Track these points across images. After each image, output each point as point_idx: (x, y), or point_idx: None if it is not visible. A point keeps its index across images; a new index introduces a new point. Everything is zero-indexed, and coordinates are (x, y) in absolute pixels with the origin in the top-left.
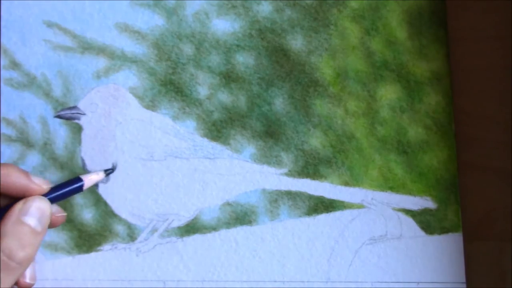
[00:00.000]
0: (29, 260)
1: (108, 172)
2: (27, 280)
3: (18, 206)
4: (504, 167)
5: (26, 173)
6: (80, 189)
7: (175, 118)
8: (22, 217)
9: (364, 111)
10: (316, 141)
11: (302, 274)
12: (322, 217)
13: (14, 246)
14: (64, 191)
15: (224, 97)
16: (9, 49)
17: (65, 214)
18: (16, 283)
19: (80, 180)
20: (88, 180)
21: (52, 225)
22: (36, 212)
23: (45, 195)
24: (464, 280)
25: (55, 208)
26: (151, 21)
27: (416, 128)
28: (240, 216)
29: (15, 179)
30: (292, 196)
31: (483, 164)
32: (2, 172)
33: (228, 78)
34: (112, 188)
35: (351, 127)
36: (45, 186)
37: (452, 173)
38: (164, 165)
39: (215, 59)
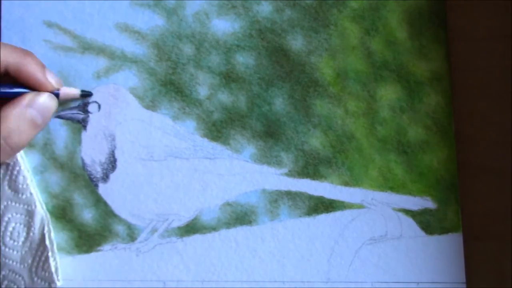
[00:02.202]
0: (21, 147)
1: (84, 94)
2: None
3: (28, 96)
4: (504, 167)
5: (42, 66)
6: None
7: (175, 118)
8: (27, 108)
9: (364, 111)
10: (316, 141)
11: (302, 274)
12: (322, 217)
13: (12, 131)
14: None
15: (224, 97)
16: None
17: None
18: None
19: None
20: (64, 92)
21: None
22: (41, 106)
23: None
24: (464, 280)
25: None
26: (151, 21)
27: (416, 128)
28: (240, 216)
29: (30, 69)
30: (292, 196)
31: (483, 164)
32: (22, 59)
33: (228, 78)
34: (112, 188)
35: (351, 127)
36: (56, 85)
37: (452, 173)
38: (164, 165)
39: (215, 59)
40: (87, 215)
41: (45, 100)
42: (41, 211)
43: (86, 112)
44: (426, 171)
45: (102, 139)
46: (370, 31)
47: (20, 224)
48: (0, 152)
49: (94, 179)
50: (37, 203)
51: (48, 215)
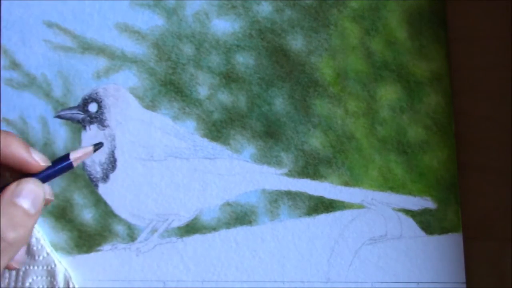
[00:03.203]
0: (21, 241)
1: (97, 147)
2: (13, 264)
3: (11, 187)
4: (504, 167)
5: (26, 146)
6: (70, 166)
7: (175, 118)
8: (14, 199)
9: (364, 111)
10: (316, 141)
11: (302, 274)
12: (322, 217)
13: (5, 226)
14: (55, 169)
15: (224, 97)
16: (9, 49)
17: (53, 199)
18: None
19: (67, 157)
20: (76, 157)
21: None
22: (29, 194)
23: (37, 173)
24: (464, 280)
25: (47, 188)
26: (151, 21)
27: (416, 128)
28: (240, 216)
29: (14, 150)
30: (292, 196)
31: (483, 164)
32: (4, 141)
33: (228, 78)
34: (112, 188)
35: (351, 127)
36: (43, 164)
37: (452, 173)
38: (164, 165)
39: (215, 59)
40: (87, 215)
41: (30, 186)
42: (61, 268)
43: (86, 112)
44: (426, 171)
45: (102, 139)
46: (370, 31)
47: (43, 286)
48: (3, 252)
49: (94, 179)
50: (56, 261)
51: (69, 271)
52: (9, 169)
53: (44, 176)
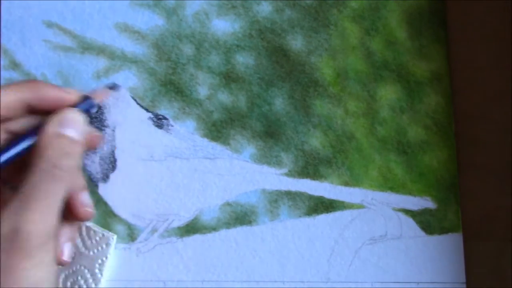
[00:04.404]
0: (75, 168)
1: (111, 87)
2: (86, 208)
3: (52, 119)
4: (504, 167)
5: (54, 85)
6: (93, 105)
7: (175, 118)
8: (58, 129)
9: (364, 111)
10: (316, 141)
11: (302, 274)
12: (322, 217)
13: (56, 156)
14: (87, 103)
15: (224, 97)
16: (9, 49)
17: (100, 134)
18: (74, 213)
19: (88, 97)
20: (97, 96)
21: (90, 146)
22: (71, 123)
23: (79, 104)
24: (464, 280)
25: (90, 129)
26: (151, 21)
27: (416, 128)
28: (240, 216)
29: (47, 91)
30: (292, 196)
31: (483, 164)
32: (33, 87)
33: (228, 78)
34: (112, 188)
35: (351, 127)
36: (75, 95)
37: (452, 173)
38: (164, 165)
39: (215, 59)
40: None
41: (71, 115)
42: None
43: (86, 112)
44: (426, 171)
45: (102, 139)
46: (370, 31)
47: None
48: (60, 180)
49: (94, 179)
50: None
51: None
52: (46, 113)
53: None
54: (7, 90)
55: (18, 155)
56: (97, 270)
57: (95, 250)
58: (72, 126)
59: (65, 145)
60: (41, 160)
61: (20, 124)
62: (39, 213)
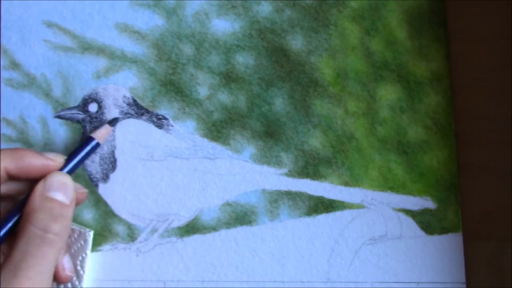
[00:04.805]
0: (65, 231)
1: (113, 122)
2: (67, 272)
3: (40, 185)
4: (504, 167)
5: (38, 152)
6: (97, 146)
7: (175, 118)
8: (47, 193)
9: (364, 111)
10: (316, 141)
11: (302, 274)
12: (322, 217)
13: (46, 220)
14: (81, 155)
15: (224, 97)
16: (9, 49)
17: (87, 190)
18: (56, 277)
19: (92, 138)
20: (100, 135)
21: (77, 203)
22: (59, 186)
23: (63, 168)
24: (464, 280)
25: (75, 185)
26: (151, 21)
27: (416, 128)
28: (240, 216)
29: (30, 160)
30: (292, 196)
31: (483, 164)
32: (15, 156)
33: (228, 78)
34: (112, 188)
35: (351, 127)
36: (60, 159)
37: (452, 173)
38: (164, 165)
39: (215, 59)
40: (87, 215)
41: (58, 177)
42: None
43: (86, 112)
44: (426, 171)
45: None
46: (370, 31)
47: None
48: (51, 244)
49: (94, 179)
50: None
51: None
52: (31, 181)
53: (71, 168)
54: None
55: (7, 233)
56: (79, 268)
57: (75, 248)
58: (61, 190)
59: (55, 208)
60: (31, 225)
61: (1, 190)
62: (31, 281)
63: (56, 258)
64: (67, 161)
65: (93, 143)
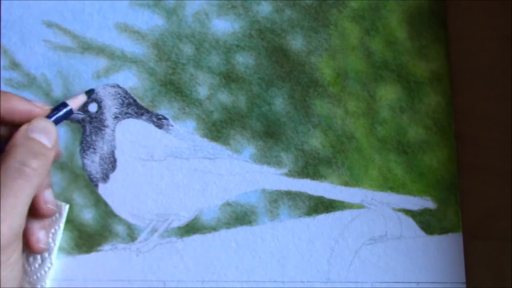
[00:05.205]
0: (43, 169)
1: (90, 93)
2: (41, 244)
3: (24, 126)
4: (504, 167)
5: (25, 98)
6: (70, 112)
7: (175, 118)
8: (30, 133)
9: (364, 111)
10: (316, 141)
11: (302, 274)
12: (322, 217)
13: (26, 155)
14: (59, 114)
15: (224, 97)
16: (9, 49)
17: (60, 151)
18: (30, 247)
19: (65, 104)
20: (74, 103)
21: (55, 157)
22: (43, 129)
23: (49, 117)
24: (464, 280)
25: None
26: (151, 21)
27: (416, 128)
28: (240, 216)
29: (17, 104)
30: (292, 196)
31: (483, 164)
32: (2, 98)
33: (228, 78)
34: (112, 188)
35: (351, 127)
36: (47, 107)
37: (452, 173)
38: (164, 165)
39: (215, 59)
40: (87, 215)
41: (42, 122)
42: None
43: (86, 112)
44: (426, 171)
45: (102, 139)
46: (370, 31)
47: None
48: (28, 179)
49: (94, 179)
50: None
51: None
52: (15, 125)
53: (56, 118)
54: None
55: None
56: (50, 240)
57: (50, 220)
58: (44, 133)
59: (35, 146)
60: (10, 158)
61: None
62: (7, 212)
63: (31, 194)
64: (53, 111)
65: (67, 108)
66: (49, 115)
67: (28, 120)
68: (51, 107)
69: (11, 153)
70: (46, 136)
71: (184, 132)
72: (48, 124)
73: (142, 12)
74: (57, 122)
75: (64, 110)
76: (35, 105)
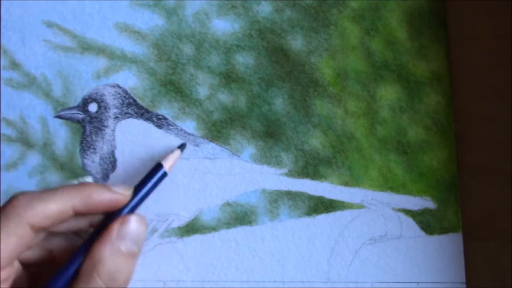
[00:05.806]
0: (127, 283)
1: (182, 147)
2: None
3: (115, 229)
4: (504, 167)
5: (105, 186)
6: (164, 175)
7: (175, 118)
8: (119, 244)
9: (364, 111)
10: (316, 141)
11: (302, 274)
12: (322, 217)
13: (113, 272)
14: (150, 185)
15: (224, 97)
16: (9, 49)
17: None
18: None
19: (160, 166)
20: (169, 163)
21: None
22: (133, 235)
23: (131, 200)
24: (464, 280)
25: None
26: (151, 21)
27: (416, 128)
28: (240, 216)
29: (98, 197)
30: (292, 196)
31: (483, 164)
32: (83, 193)
33: (228, 78)
34: None
35: (351, 127)
36: (128, 192)
37: (452, 173)
38: None
39: (215, 59)
40: None
41: (134, 226)
42: None
43: (86, 112)
44: (426, 171)
45: (102, 139)
46: (370, 31)
47: None
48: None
49: (94, 179)
50: None
51: None
52: (101, 214)
53: (136, 203)
54: (57, 196)
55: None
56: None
57: None
58: (132, 239)
59: (123, 261)
60: (97, 276)
61: (63, 227)
62: None
63: None
64: (135, 193)
65: (161, 171)
66: (135, 195)
67: (110, 209)
68: (131, 189)
69: (98, 270)
70: (135, 241)
71: (184, 132)
72: (139, 225)
73: (142, 12)
74: (141, 201)
75: (147, 188)
76: (116, 192)
